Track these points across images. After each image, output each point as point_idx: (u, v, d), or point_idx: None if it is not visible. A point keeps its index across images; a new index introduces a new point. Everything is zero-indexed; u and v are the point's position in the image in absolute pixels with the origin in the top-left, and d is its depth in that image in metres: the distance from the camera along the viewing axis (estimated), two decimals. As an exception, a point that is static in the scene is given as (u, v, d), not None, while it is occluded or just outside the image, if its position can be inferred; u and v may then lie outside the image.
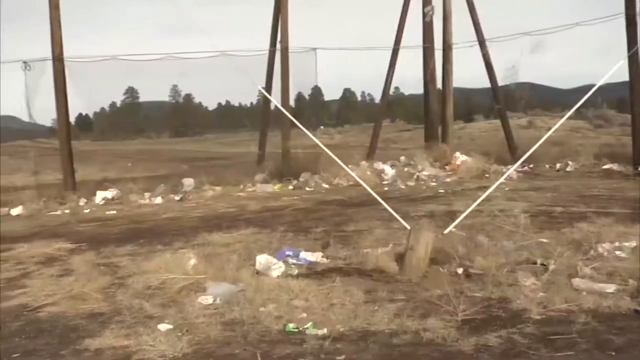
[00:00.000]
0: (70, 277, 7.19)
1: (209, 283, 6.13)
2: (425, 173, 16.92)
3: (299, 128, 9.79)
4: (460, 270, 6.28)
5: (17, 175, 30.15)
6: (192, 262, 6.85)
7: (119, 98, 77.69)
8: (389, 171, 16.98)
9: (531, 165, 17.38)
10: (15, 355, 4.90)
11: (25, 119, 16.94)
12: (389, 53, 19.49)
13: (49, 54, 15.28)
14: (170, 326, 5.15)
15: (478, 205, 7.63)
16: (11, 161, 41.90)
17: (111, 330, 5.21)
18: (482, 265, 6.28)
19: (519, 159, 9.65)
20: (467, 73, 25.43)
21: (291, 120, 12.88)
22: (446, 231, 7.19)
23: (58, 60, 15.17)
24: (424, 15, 20.00)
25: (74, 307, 6.01)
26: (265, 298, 5.63)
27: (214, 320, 5.22)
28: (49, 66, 15.33)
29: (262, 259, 6.72)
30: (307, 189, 15.51)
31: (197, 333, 4.96)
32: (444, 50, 20.18)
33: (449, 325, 4.81)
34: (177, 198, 14.52)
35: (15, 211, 13.91)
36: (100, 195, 14.70)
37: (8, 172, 33.46)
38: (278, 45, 17.88)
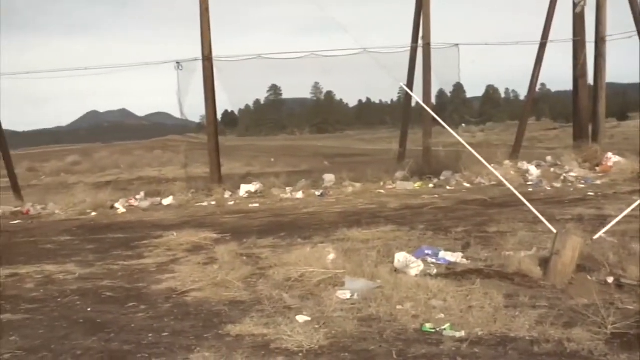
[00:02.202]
0: (214, 265, 7.57)
1: (347, 278, 6.18)
2: (573, 174, 16.01)
3: (440, 125, 9.61)
4: (610, 280, 5.88)
5: (168, 167, 32.25)
6: (331, 256, 6.95)
7: (263, 95, 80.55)
8: (533, 171, 16.29)
9: (695, 169, 15.95)
10: (164, 334, 5.23)
11: (177, 115, 17.96)
12: (535, 47, 18.63)
13: (200, 55, 16.10)
14: (308, 318, 5.25)
15: (632, 210, 7.11)
16: (164, 155, 44.85)
17: (251, 318, 5.40)
18: (636, 276, 5.84)
19: (681, 161, 8.87)
20: (623, 67, 23.67)
21: (432, 118, 12.71)
22: (596, 237, 6.77)
23: (207, 60, 15.93)
24: (575, 6, 18.85)
25: (218, 294, 6.31)
26: (402, 296, 5.59)
27: (351, 315, 5.25)
28: (199, 66, 16.15)
29: (400, 257, 6.67)
30: (448, 187, 15.23)
31: (333, 327, 5.01)
32: (596, 43, 18.94)
33: (596, 338, 4.50)
34: (317, 193, 14.78)
35: (167, 201, 14.85)
36: (244, 189, 15.28)
37: (161, 164, 35.90)
38: (420, 42, 17.69)
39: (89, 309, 6.22)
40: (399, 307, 5.36)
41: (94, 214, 13.99)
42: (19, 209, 15.35)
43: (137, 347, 4.97)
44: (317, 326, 5.03)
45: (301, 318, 5.26)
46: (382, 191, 14.86)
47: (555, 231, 6.43)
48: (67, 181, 26.25)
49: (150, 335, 5.24)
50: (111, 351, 4.92)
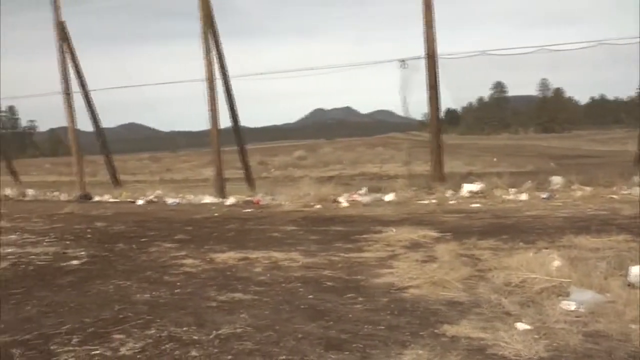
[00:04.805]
0: (433, 263, 7.53)
1: (572, 288, 5.79)
2: None
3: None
4: None
5: (390, 164, 32.83)
6: (556, 263, 6.57)
7: (486, 93, 78.64)
8: None
9: None
10: (380, 327, 5.32)
11: (400, 113, 18.14)
12: None
13: (423, 52, 16.09)
14: (528, 327, 5.01)
15: None
16: (385, 151, 45.76)
17: (469, 320, 5.29)
18: None
19: None
20: None
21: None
22: None
23: (430, 57, 15.87)
24: None
25: (435, 293, 6.28)
26: (637, 314, 5.08)
27: (575, 329, 4.91)
28: (422, 64, 16.14)
29: (636, 270, 6.07)
30: (697, 196, 13.57)
31: (555, 339, 4.73)
32: None
33: None
34: (543, 196, 14.04)
35: (388, 197, 15.09)
36: (465, 188, 15.01)
37: (382, 161, 36.68)
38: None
39: (310, 296, 6.54)
40: (632, 326, 4.88)
41: (317, 206, 14.68)
42: (251, 198, 16.68)
43: (354, 337, 5.11)
44: (537, 336, 4.78)
45: (520, 326, 5.03)
46: (614, 196, 13.67)
47: None
48: (293, 174, 27.87)
49: (367, 327, 5.37)
50: (329, 338, 5.12)
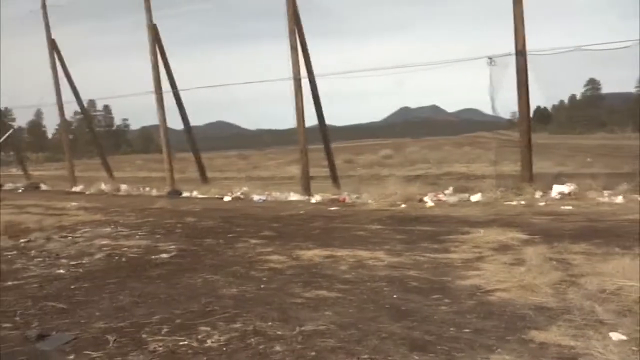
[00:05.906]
0: (521, 266, 7.32)
1: (674, 298, 5.48)
2: None
3: None
4: None
5: (477, 164, 32.17)
6: (656, 271, 6.24)
7: (579, 90, 75.93)
8: None
9: None
10: (466, 330, 5.22)
11: (488, 112, 17.69)
12: None
13: (512, 49, 15.64)
14: (624, 337, 4.76)
15: None
16: (472, 151, 44.90)
17: (558, 327, 5.11)
18: None
19: None
20: None
21: None
22: None
23: (520, 54, 15.41)
24: None
25: (523, 297, 6.10)
26: None
27: (678, 342, 4.64)
28: (511, 61, 15.68)
29: None
30: None
31: (655, 351, 4.48)
32: None
33: None
34: (640, 199, 13.38)
35: (475, 198, 14.79)
36: (556, 189, 14.51)
37: (469, 160, 36.00)
38: None
39: (395, 296, 6.49)
40: None
41: (403, 205, 14.56)
42: (336, 196, 16.74)
43: (438, 338, 5.03)
44: (635, 348, 4.54)
45: (615, 336, 4.79)
46: None
47: None
48: (379, 173, 27.73)
49: (452, 329, 5.27)
50: (413, 339, 5.06)
